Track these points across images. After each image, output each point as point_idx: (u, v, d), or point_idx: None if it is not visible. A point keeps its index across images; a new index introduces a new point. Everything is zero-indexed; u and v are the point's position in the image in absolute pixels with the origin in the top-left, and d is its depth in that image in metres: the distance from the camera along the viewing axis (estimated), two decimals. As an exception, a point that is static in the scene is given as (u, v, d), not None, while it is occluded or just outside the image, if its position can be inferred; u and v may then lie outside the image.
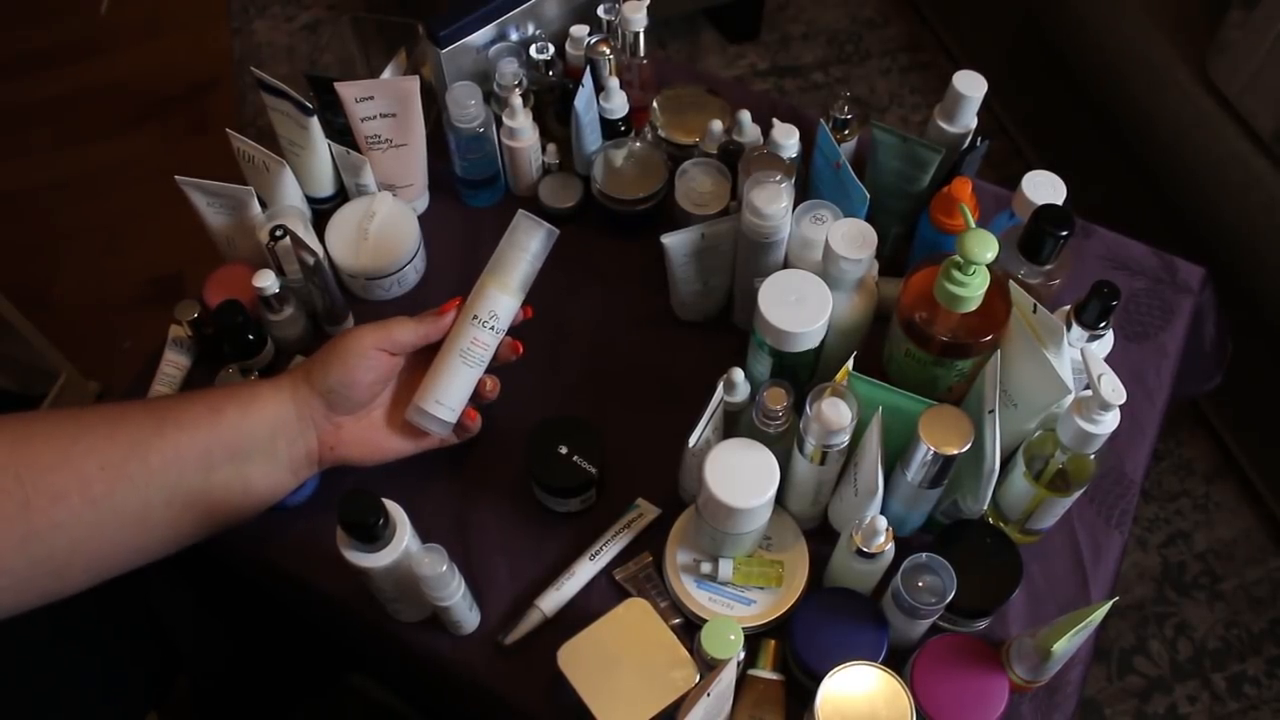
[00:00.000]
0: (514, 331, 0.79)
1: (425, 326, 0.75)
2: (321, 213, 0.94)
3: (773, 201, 0.77)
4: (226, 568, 0.85)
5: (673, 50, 2.07)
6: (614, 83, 0.95)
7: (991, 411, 0.70)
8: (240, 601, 0.92)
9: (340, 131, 0.93)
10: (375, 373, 0.74)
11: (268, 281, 0.84)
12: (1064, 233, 0.74)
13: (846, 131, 0.92)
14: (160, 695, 0.92)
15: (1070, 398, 0.70)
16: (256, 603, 0.92)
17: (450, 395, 0.76)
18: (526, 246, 0.77)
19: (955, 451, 0.68)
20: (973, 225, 0.69)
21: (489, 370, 0.78)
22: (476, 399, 0.78)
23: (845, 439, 0.70)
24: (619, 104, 0.96)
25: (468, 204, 1.00)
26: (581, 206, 0.97)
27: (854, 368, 0.74)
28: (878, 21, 2.13)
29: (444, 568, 0.68)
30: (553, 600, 0.77)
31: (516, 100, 0.92)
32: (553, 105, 0.99)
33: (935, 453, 0.68)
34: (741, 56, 2.07)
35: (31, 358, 1.48)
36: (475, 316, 0.75)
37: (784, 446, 0.73)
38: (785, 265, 0.83)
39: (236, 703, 0.99)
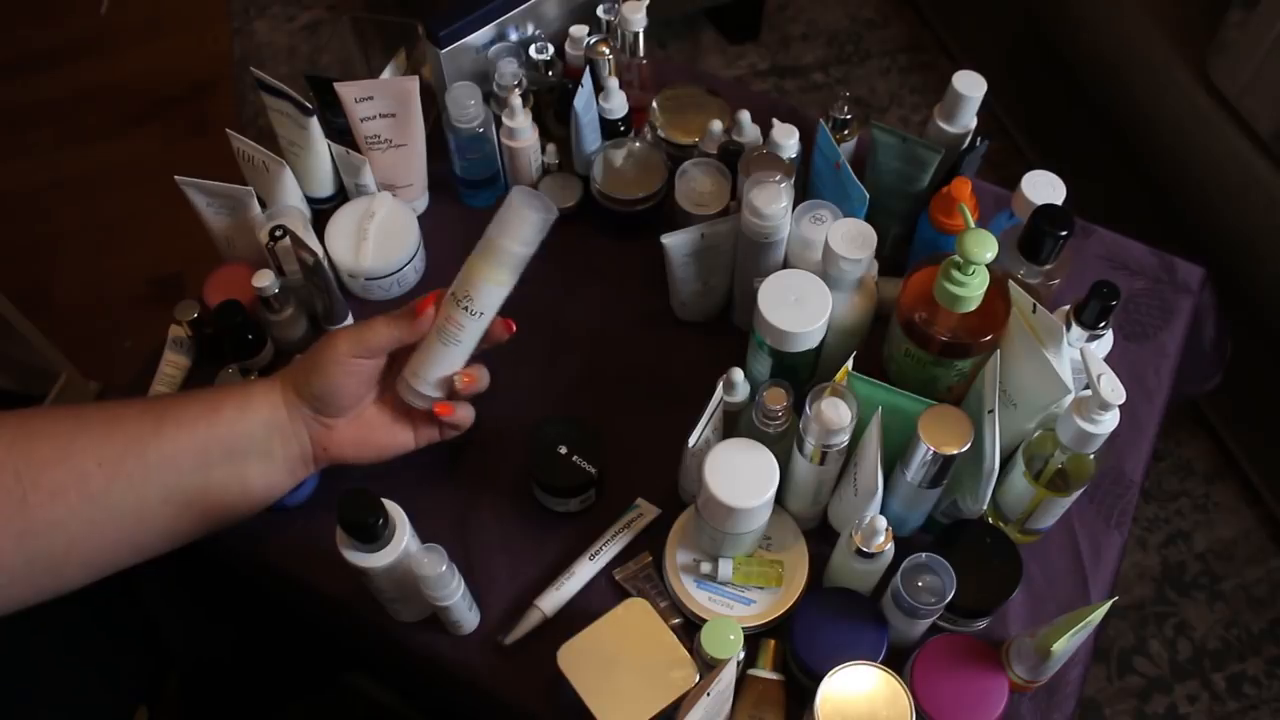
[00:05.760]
0: (509, 317, 0.77)
1: (400, 330, 0.73)
2: (321, 213, 0.94)
3: (772, 201, 0.77)
4: (224, 566, 0.85)
5: (673, 50, 2.07)
6: (613, 83, 0.95)
7: (991, 411, 0.70)
8: (234, 599, 0.92)
9: (340, 131, 0.93)
10: (355, 379, 0.73)
11: (267, 281, 0.84)
12: (1063, 233, 0.74)
13: (846, 131, 0.92)
14: (151, 691, 0.92)
15: (1070, 398, 0.70)
16: (251, 600, 0.92)
17: (427, 369, 0.74)
18: (516, 234, 0.71)
19: (955, 451, 0.68)
20: (972, 225, 0.69)
21: (481, 356, 0.76)
22: (453, 394, 0.76)
23: (845, 439, 0.70)
24: (618, 104, 0.96)
25: (467, 204, 1.00)
26: (581, 206, 0.97)
27: (854, 368, 0.74)
28: (878, 21, 2.13)
29: (443, 568, 0.68)
30: (553, 600, 0.77)
31: (516, 100, 0.92)
32: (552, 105, 0.99)
33: (935, 453, 0.68)
34: (741, 56, 2.07)
35: (31, 358, 1.48)
36: (453, 294, 0.73)
37: (784, 446, 0.73)
38: (785, 265, 0.83)
39: (228, 700, 0.99)
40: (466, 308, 0.72)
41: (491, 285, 0.72)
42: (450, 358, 0.74)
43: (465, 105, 0.90)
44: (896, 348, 0.77)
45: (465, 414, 0.77)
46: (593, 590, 0.79)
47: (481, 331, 0.74)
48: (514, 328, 0.77)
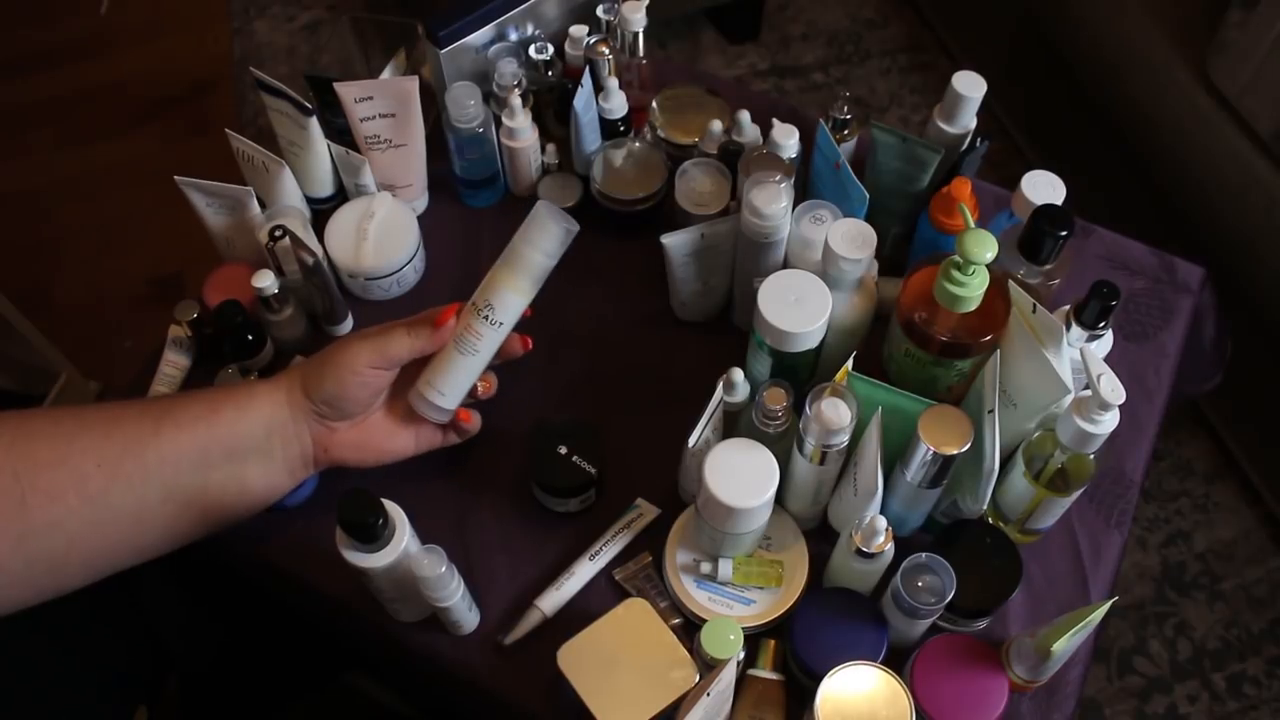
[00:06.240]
0: (518, 327, 0.78)
1: (420, 340, 0.73)
2: (321, 213, 0.94)
3: (772, 201, 0.77)
4: (224, 566, 0.85)
5: (673, 50, 2.07)
6: (613, 83, 0.95)
7: (991, 411, 0.70)
8: (234, 599, 0.92)
9: (340, 132, 0.93)
10: (369, 389, 0.73)
11: (267, 281, 0.84)
12: (1063, 233, 0.74)
13: (846, 131, 0.92)
14: (151, 691, 0.92)
15: (1070, 397, 0.70)
16: (251, 601, 0.92)
17: (444, 381, 0.75)
18: (538, 244, 0.72)
19: (955, 451, 0.68)
20: (972, 225, 0.69)
21: (491, 366, 0.77)
22: (470, 397, 0.78)
23: (845, 439, 0.70)
24: (618, 104, 0.96)
25: (467, 204, 1.00)
26: (581, 206, 0.97)
27: (854, 368, 0.74)
28: (878, 21, 2.13)
29: (443, 568, 0.68)
30: (552, 600, 0.77)
31: (516, 100, 0.92)
32: (552, 105, 0.99)
33: (935, 453, 0.68)
34: (741, 56, 2.07)
35: (31, 358, 1.48)
36: (473, 304, 0.74)
37: (784, 446, 0.73)
38: (785, 265, 0.83)
39: (228, 700, 0.99)
40: (487, 317, 0.73)
41: (511, 293, 0.73)
42: (468, 369, 0.75)
43: (465, 105, 0.90)
44: (896, 348, 0.77)
45: (478, 421, 0.79)
46: (593, 590, 0.79)
47: (499, 343, 0.75)
48: (530, 344, 0.78)
